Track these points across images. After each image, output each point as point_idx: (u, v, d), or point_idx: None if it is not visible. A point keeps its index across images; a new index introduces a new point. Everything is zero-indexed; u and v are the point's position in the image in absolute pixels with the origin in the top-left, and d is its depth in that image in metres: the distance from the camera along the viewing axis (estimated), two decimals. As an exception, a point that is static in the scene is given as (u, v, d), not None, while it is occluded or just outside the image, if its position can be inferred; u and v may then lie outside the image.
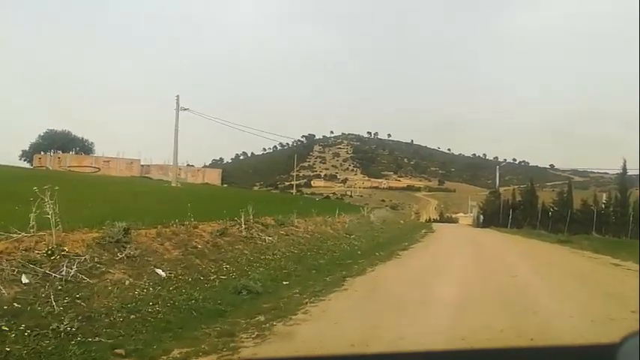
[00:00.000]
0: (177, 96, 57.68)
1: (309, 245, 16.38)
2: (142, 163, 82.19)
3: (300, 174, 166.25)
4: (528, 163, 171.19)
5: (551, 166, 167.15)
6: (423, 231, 37.94)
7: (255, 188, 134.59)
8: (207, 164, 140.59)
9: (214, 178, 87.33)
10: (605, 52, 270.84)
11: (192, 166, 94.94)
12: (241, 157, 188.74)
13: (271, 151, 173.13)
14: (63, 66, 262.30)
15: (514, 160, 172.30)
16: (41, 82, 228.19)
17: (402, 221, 50.99)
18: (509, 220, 50.14)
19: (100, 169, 75.25)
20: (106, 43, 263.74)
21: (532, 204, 50.91)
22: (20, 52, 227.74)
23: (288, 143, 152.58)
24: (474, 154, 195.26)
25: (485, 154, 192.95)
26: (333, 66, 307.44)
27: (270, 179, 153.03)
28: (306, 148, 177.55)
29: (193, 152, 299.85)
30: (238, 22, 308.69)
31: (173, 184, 54.74)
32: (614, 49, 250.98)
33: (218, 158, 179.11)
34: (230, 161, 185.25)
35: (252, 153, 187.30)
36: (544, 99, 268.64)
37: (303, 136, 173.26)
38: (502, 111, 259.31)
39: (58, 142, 79.75)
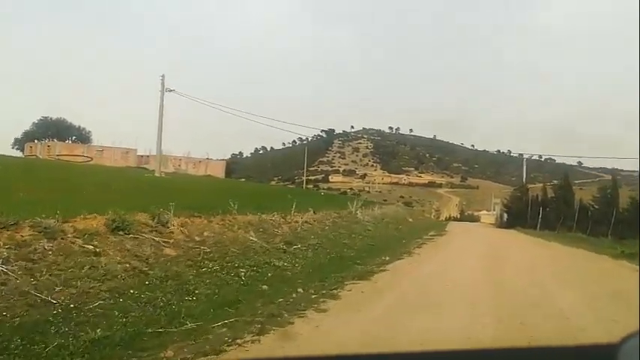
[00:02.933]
0: (163, 76, 50.10)
1: (134, 278, 7.40)
2: (140, 154, 74.45)
3: (319, 169, 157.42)
4: (554, 160, 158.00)
5: (579, 163, 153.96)
6: (430, 233, 28.55)
7: (273, 183, 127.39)
8: (227, 158, 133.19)
9: (218, 170, 78.95)
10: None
11: (210, 159, 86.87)
12: (260, 152, 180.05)
13: (290, 145, 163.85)
14: (65, 60, 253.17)
15: (540, 157, 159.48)
16: (41, 75, 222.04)
17: (410, 219, 41.62)
18: (539, 220, 40.31)
19: (91, 158, 67.75)
20: (107, 42, 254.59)
21: (567, 202, 40.95)
22: (17, 42, 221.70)
23: (307, 138, 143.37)
24: (499, 151, 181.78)
25: (510, 151, 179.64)
26: (351, 61, 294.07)
27: (288, 173, 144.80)
28: (325, 142, 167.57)
29: (212, 146, 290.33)
30: (252, 20, 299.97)
31: (157, 174, 47.59)
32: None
33: (237, 152, 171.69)
34: (249, 155, 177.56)
35: (271, 147, 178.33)
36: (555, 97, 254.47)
37: (322, 131, 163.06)
38: (509, 110, 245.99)
39: (52, 129, 72.64)
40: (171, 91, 50.07)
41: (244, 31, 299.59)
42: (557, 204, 40.97)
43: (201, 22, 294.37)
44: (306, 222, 17.94)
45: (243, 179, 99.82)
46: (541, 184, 54.54)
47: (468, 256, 16.14)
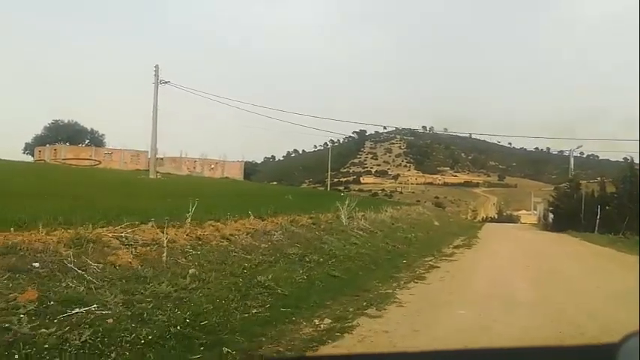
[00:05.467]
0: (157, 66, 43.35)
1: None
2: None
3: (351, 170, 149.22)
4: (598, 157, 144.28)
5: (625, 159, 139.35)
6: (455, 243, 20.15)
7: (304, 185, 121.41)
8: (259, 161, 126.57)
9: (236, 172, 71.90)
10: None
11: (241, 161, 78.94)
12: (293, 155, 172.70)
13: (322, 148, 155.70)
14: (76, 64, 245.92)
15: (581, 153, 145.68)
16: (52, 79, 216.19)
17: (436, 223, 32.98)
18: (597, 221, 31.11)
19: (100, 161, 61.92)
20: (118, 42, 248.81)
21: (632, 198, 31.52)
22: (25, 49, 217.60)
23: (339, 140, 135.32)
24: (537, 148, 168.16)
25: (548, 148, 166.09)
26: (384, 62, 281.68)
27: (319, 176, 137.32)
28: (357, 144, 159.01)
29: (244, 149, 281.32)
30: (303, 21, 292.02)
31: (151, 176, 41.10)
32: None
33: (270, 156, 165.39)
34: (282, 158, 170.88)
35: (303, 150, 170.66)
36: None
37: (354, 132, 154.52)
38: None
39: (63, 133, 67.37)
40: (165, 82, 43.46)
41: (270, 32, 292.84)
42: (620, 201, 31.66)
43: (225, 20, 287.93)
44: (224, 237, 10.07)
45: (275, 182, 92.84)
46: (586, 181, 45.15)
47: (503, 317, 7.67)
